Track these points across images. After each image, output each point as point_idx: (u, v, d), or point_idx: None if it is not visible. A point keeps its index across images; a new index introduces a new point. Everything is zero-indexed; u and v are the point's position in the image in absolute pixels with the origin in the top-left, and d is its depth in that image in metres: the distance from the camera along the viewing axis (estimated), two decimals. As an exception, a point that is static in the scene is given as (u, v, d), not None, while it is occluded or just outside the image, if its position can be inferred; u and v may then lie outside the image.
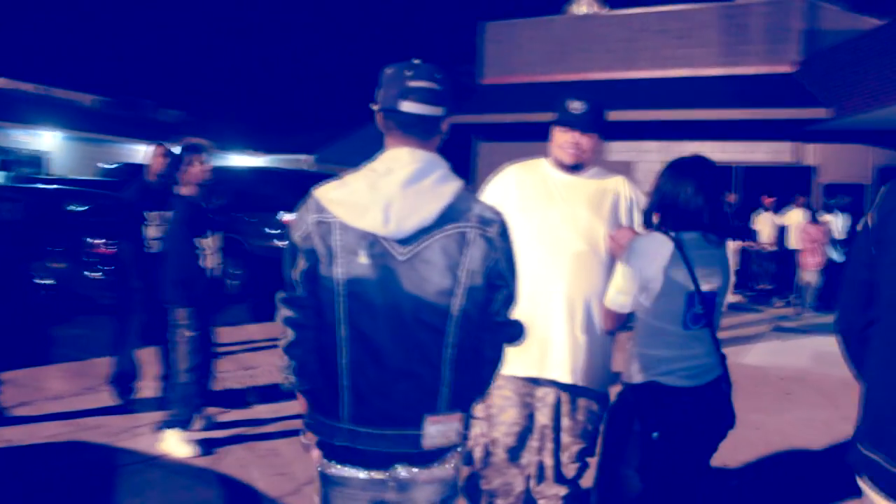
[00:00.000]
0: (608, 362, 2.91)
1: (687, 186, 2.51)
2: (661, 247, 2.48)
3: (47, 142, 20.41)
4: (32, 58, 21.87)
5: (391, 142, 1.88)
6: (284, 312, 1.88)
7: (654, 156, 14.98)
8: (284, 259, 1.89)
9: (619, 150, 14.96)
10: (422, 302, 1.78)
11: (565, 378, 2.79)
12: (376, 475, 1.84)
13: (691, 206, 2.50)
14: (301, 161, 25.60)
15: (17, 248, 8.11)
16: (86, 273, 7.93)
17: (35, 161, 20.08)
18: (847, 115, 12.02)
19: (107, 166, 18.17)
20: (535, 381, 2.84)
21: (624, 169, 14.93)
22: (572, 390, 2.83)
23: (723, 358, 2.60)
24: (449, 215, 1.80)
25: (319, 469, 1.92)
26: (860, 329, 1.83)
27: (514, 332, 1.96)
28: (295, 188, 11.16)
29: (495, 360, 1.96)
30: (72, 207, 9.10)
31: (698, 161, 2.59)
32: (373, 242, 1.78)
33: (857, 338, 1.85)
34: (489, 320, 1.89)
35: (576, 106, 2.81)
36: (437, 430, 1.82)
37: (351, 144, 26.90)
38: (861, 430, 1.76)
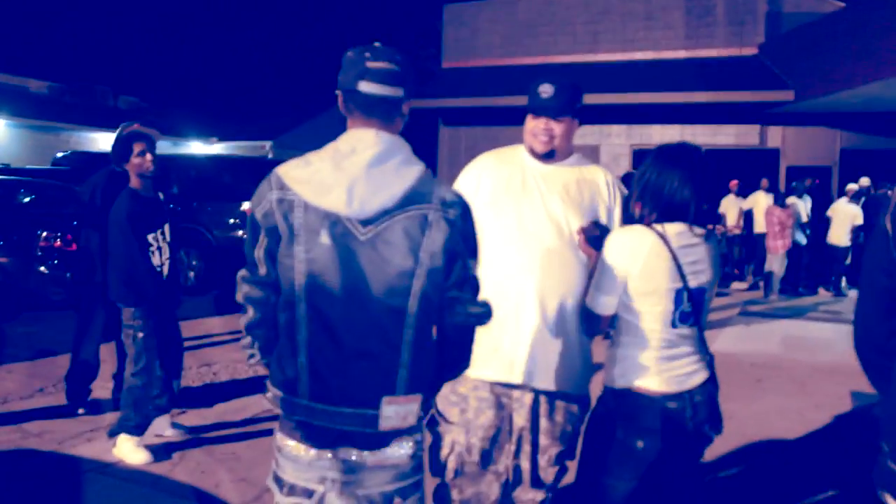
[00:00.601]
0: (587, 363, 2.75)
1: (673, 176, 2.33)
2: (643, 241, 2.31)
3: (-2, 130, 19.74)
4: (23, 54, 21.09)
5: (353, 123, 1.88)
6: (246, 290, 1.89)
7: (618, 139, 14.93)
8: (247, 237, 1.88)
9: (583, 133, 14.85)
10: (382, 282, 1.78)
11: (540, 383, 2.64)
12: (325, 454, 1.84)
13: (677, 198, 2.32)
14: (260, 148, 25.15)
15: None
16: (36, 267, 7.58)
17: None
18: (809, 97, 12.04)
19: (57, 155, 17.62)
20: (511, 385, 2.67)
21: (589, 152, 14.86)
22: (549, 392, 2.67)
23: (711, 359, 2.46)
24: (411, 197, 1.80)
25: (276, 442, 1.92)
26: (882, 341, 1.69)
27: (479, 315, 1.93)
28: (257, 176, 10.95)
29: (458, 343, 1.95)
30: (21, 199, 8.72)
31: (686, 149, 2.41)
32: (335, 222, 1.77)
33: (879, 350, 1.71)
34: (449, 301, 1.89)
35: (545, 90, 2.61)
36: (393, 411, 1.81)
37: (309, 131, 26.46)
38: (889, 446, 1.63)
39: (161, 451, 4.27)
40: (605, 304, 2.38)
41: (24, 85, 23.67)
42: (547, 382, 2.63)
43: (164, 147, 20.07)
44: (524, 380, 2.62)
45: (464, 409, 2.71)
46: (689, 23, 14.57)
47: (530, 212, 2.64)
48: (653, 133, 14.57)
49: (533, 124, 2.67)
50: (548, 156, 2.69)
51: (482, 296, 1.95)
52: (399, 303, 1.80)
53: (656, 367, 2.35)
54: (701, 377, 2.40)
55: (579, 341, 2.67)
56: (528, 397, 2.67)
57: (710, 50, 14.36)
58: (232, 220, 10.42)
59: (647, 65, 14.64)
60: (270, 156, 24.44)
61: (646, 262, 2.29)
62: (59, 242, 7.50)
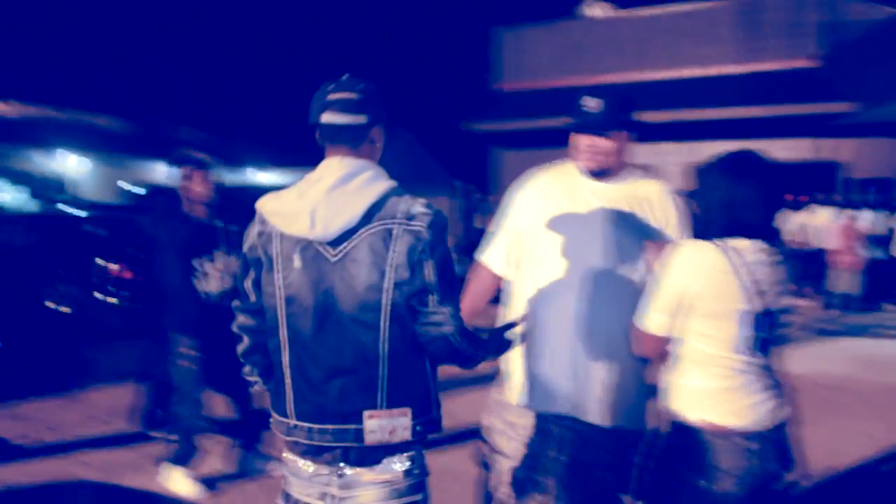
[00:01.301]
0: (643, 392, 2.56)
1: (741, 187, 2.16)
2: (706, 257, 2.15)
3: (69, 164, 20.47)
4: (56, 84, 21.94)
5: (327, 153, 1.97)
6: (241, 320, 2.08)
7: (672, 158, 14.69)
8: (239, 270, 2.04)
9: (636, 152, 14.65)
10: (354, 299, 1.85)
11: (590, 415, 2.49)
12: (322, 469, 1.91)
13: (747, 211, 2.16)
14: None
15: (29, 273, 8.00)
16: (99, 297, 7.76)
17: (58, 184, 20.12)
18: (871, 107, 11.66)
19: (131, 187, 18.17)
20: (561, 417, 2.53)
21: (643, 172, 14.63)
22: (604, 426, 2.52)
23: (784, 389, 2.27)
24: (375, 214, 1.87)
25: (284, 459, 2.01)
26: None
27: (439, 326, 1.91)
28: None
29: (435, 354, 1.96)
30: (88, 230, 8.99)
31: (753, 157, 2.23)
32: (306, 247, 1.88)
33: None
34: (422, 313, 1.91)
35: (591, 105, 2.44)
36: (377, 424, 1.86)
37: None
38: None
39: (210, 483, 4.29)
40: (658, 324, 2.24)
41: (93, 121, 24.54)
42: (598, 415, 2.48)
43: (228, 177, 20.47)
44: (573, 411, 2.49)
45: (511, 438, 2.61)
46: (739, 37, 14.32)
47: (581, 231, 2.51)
48: (705, 150, 14.22)
49: (581, 142, 2.51)
50: (601, 174, 2.53)
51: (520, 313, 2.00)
52: (371, 318, 1.86)
53: (722, 398, 2.18)
54: (773, 409, 2.21)
55: (634, 369, 2.50)
56: (579, 431, 2.53)
57: (762, 64, 14.07)
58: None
59: (698, 81, 14.40)
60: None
61: (709, 280, 2.13)
62: (116, 271, 7.66)
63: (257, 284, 1.99)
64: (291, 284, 1.89)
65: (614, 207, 2.51)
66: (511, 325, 2.31)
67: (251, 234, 1.99)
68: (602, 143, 2.46)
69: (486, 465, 2.66)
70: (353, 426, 1.86)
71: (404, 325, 1.88)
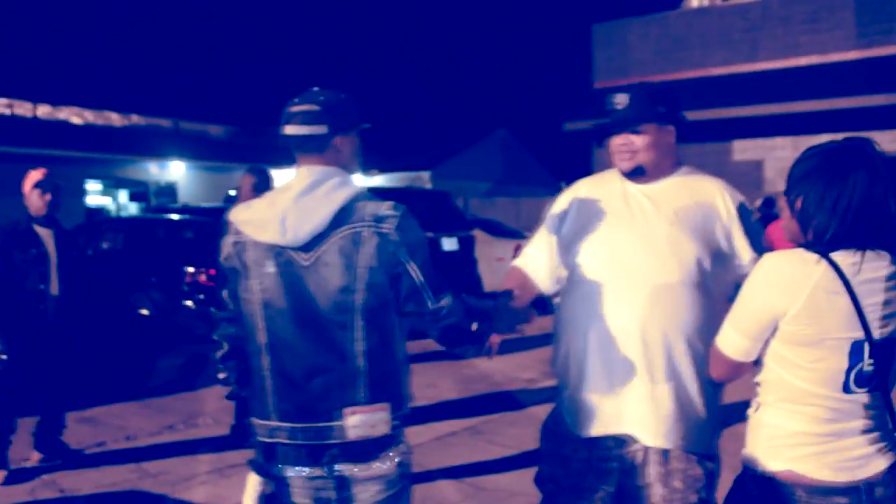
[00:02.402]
0: (713, 415, 2.31)
1: (855, 184, 1.75)
2: (808, 271, 1.74)
3: (178, 172, 21.34)
4: (165, 95, 22.95)
5: (297, 162, 2.04)
6: (220, 328, 2.19)
7: (784, 153, 13.75)
8: (217, 280, 2.09)
9: (744, 148, 13.85)
10: (327, 301, 1.92)
11: (646, 437, 2.26)
12: (315, 472, 1.94)
13: (863, 215, 1.75)
14: (417, 178, 25.55)
15: (122, 277, 8.22)
16: (183, 302, 7.89)
17: (170, 191, 21.01)
18: None
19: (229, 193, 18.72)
20: (616, 440, 2.31)
21: (752, 169, 13.81)
22: (663, 449, 2.28)
23: None
24: (343, 218, 1.94)
25: (261, 470, 2.04)
26: None
27: (445, 317, 2.00)
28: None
29: (451, 343, 2.10)
30: (171, 235, 9.19)
31: (868, 147, 1.82)
32: (279, 253, 1.95)
33: None
34: (412, 316, 2.01)
35: (618, 101, 2.29)
36: (359, 420, 1.91)
37: (467, 159, 26.61)
38: None
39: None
40: (739, 348, 1.86)
41: (204, 130, 25.54)
42: (656, 437, 2.25)
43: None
44: (630, 430, 2.27)
45: (560, 465, 2.41)
46: (861, 21, 13.23)
47: (628, 239, 2.29)
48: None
49: (613, 143, 2.35)
50: (637, 173, 2.34)
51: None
52: (345, 318, 1.92)
53: (818, 445, 1.78)
54: (883, 462, 1.80)
55: (700, 390, 2.26)
56: (637, 455, 2.30)
57: (888, 48, 12.94)
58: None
59: (813, 70, 13.43)
60: (428, 186, 24.81)
61: (810, 301, 1.72)
62: (203, 278, 7.75)
63: (234, 293, 2.07)
64: (267, 290, 1.96)
65: (669, 210, 2.29)
66: (508, 294, 2.33)
67: (226, 245, 2.06)
68: (633, 139, 2.29)
69: (543, 491, 2.50)
70: (335, 423, 1.92)
71: (378, 324, 1.95)
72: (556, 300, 2.53)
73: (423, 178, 25.56)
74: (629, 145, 2.30)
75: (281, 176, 4.50)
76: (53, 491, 4.35)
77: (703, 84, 14.11)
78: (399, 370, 2.02)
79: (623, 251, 2.28)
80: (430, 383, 7.01)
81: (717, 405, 2.32)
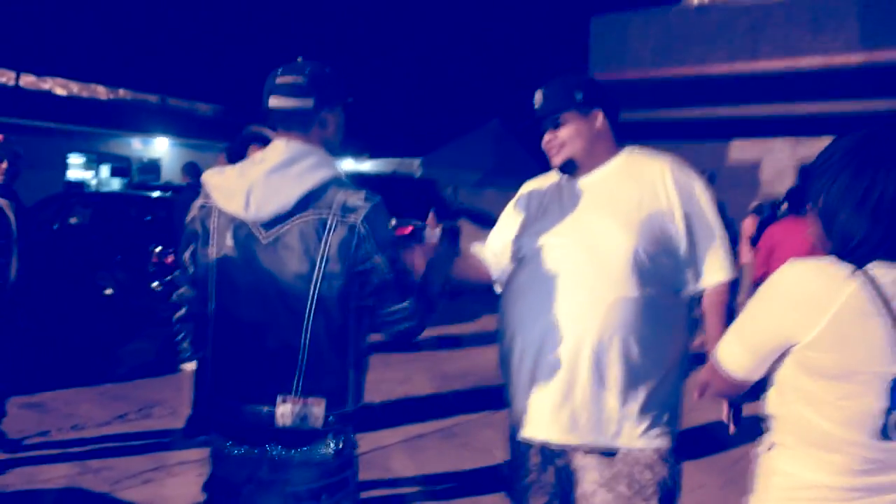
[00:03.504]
0: (658, 415, 2.17)
1: (889, 176, 1.42)
2: (838, 287, 1.39)
3: (162, 149, 20.90)
4: (154, 70, 22.46)
5: (276, 136, 1.96)
6: (181, 290, 2.10)
7: (783, 154, 13.48)
8: (181, 241, 2.04)
9: (742, 148, 13.55)
10: (281, 285, 1.85)
11: (580, 438, 2.16)
12: (250, 452, 1.89)
13: None
14: (409, 165, 25.21)
15: (84, 256, 7.83)
16: (149, 284, 7.51)
17: (153, 168, 20.58)
18: None
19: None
20: (548, 445, 2.23)
21: (750, 169, 13.52)
22: (606, 452, 2.18)
23: None
24: (310, 202, 1.86)
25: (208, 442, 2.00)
26: None
27: (401, 321, 1.94)
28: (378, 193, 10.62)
29: (400, 339, 2.03)
30: (139, 214, 8.81)
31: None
32: (240, 225, 1.89)
33: None
34: (369, 310, 1.93)
35: (536, 99, 2.29)
36: (289, 409, 1.84)
37: (460, 148, 26.23)
38: None
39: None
40: (741, 364, 1.54)
41: (192, 107, 25.08)
42: (591, 436, 2.15)
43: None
44: (560, 438, 2.18)
45: (522, 476, 2.32)
46: (865, 25, 12.94)
47: (560, 236, 2.22)
48: (822, 146, 13.02)
49: (543, 143, 2.32)
50: (569, 167, 2.28)
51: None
52: (297, 306, 1.85)
53: (847, 502, 1.43)
54: None
55: (638, 386, 2.13)
56: (579, 460, 2.21)
57: (892, 52, 12.64)
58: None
59: (815, 72, 13.13)
60: (418, 174, 24.45)
61: (834, 323, 1.38)
62: (170, 259, 7.38)
63: (194, 256, 2.00)
64: (223, 261, 1.91)
65: (604, 202, 2.21)
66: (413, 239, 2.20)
67: (195, 207, 2.00)
68: (556, 133, 2.25)
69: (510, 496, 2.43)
70: (266, 407, 1.85)
71: (329, 317, 1.86)
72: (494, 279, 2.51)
73: (414, 166, 25.20)
74: (553, 140, 2.26)
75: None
76: (-20, 486, 4.01)
77: (701, 82, 13.80)
78: (346, 366, 1.91)
79: (555, 249, 2.20)
80: (403, 378, 6.68)
81: (668, 404, 2.19)
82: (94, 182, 19.79)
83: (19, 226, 4.30)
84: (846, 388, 1.40)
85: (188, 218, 2.00)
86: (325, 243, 1.83)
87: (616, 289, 2.11)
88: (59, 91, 19.49)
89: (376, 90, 31.36)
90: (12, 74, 18.81)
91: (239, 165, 1.96)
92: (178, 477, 4.13)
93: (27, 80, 19.07)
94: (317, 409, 1.85)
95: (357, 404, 1.95)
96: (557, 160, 2.27)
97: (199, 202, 1.99)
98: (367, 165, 24.65)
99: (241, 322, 1.89)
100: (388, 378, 6.63)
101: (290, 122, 1.92)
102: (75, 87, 19.95)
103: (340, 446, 1.92)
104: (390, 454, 4.70)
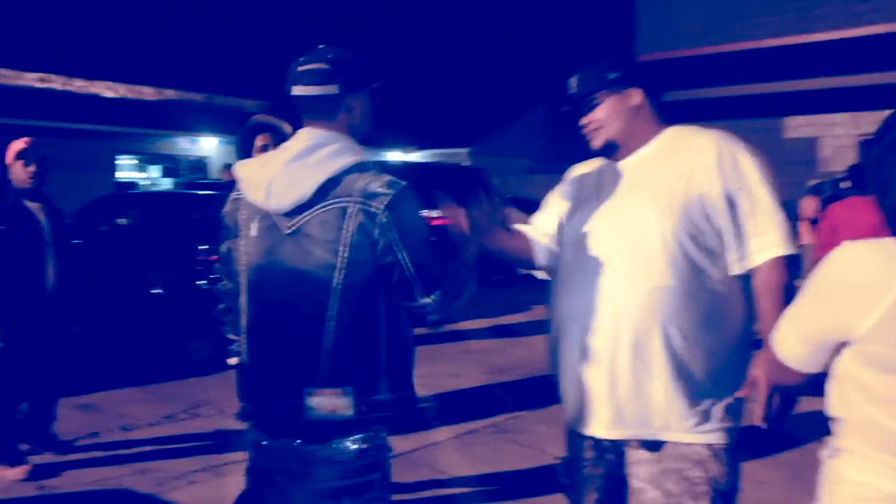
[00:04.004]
0: (708, 403, 2.03)
1: None
2: (889, 270, 1.25)
3: (210, 147, 21.12)
4: (200, 69, 22.72)
5: (304, 124, 1.93)
6: (222, 283, 2.16)
7: (842, 129, 12.95)
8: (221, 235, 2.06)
9: (798, 125, 13.06)
10: (304, 274, 1.82)
11: (610, 432, 2.09)
12: (279, 444, 1.88)
13: None
14: (457, 155, 25.12)
15: (132, 256, 7.87)
16: (196, 282, 7.52)
17: (201, 166, 20.82)
18: None
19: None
20: (609, 440, 2.14)
21: (806, 147, 13.04)
22: (647, 445, 2.08)
23: None
24: (332, 190, 1.81)
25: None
26: None
27: (428, 315, 1.89)
28: (423, 182, 10.47)
29: (399, 340, 1.91)
30: (197, 211, 8.82)
31: None
32: (264, 216, 1.88)
33: None
34: (390, 299, 1.86)
35: (570, 84, 2.20)
36: (317, 402, 1.81)
37: (507, 136, 26.04)
38: None
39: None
40: (795, 353, 1.41)
41: (239, 104, 25.31)
42: (618, 430, 2.07)
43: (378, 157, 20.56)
44: (594, 431, 2.11)
45: (577, 470, 2.24)
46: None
47: (600, 222, 2.14)
48: (879, 120, 12.48)
49: (582, 128, 2.24)
50: (609, 150, 2.19)
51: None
52: (320, 295, 1.80)
53: None
54: None
55: (686, 375, 2.00)
56: (631, 455, 2.12)
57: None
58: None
59: (874, 40, 12.56)
60: (467, 163, 24.34)
61: (894, 311, 1.23)
62: (215, 256, 7.36)
63: (229, 249, 2.02)
64: (250, 252, 1.91)
65: (645, 184, 2.10)
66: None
67: (230, 199, 2.00)
68: (592, 115, 2.17)
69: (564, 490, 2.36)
70: (295, 400, 1.82)
71: (356, 307, 1.81)
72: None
73: (462, 156, 25.08)
74: (590, 123, 2.17)
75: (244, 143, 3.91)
76: (31, 487, 4.01)
77: (752, 56, 13.34)
78: (377, 357, 1.85)
79: (594, 237, 2.13)
80: (454, 372, 6.57)
81: (722, 397, 2.03)
82: (145, 182, 20.13)
83: (53, 228, 4.28)
84: None
85: (223, 211, 2.02)
86: (346, 231, 1.78)
87: (654, 276, 2.00)
88: (108, 94, 19.81)
89: (422, 81, 31.29)
90: (63, 79, 19.19)
91: (265, 155, 1.96)
92: (225, 477, 4.08)
93: (77, 85, 19.44)
94: (344, 400, 1.81)
95: (395, 394, 1.88)
96: (596, 143, 2.19)
97: (232, 195, 1.99)
98: (415, 156, 24.64)
99: (268, 313, 1.88)
100: (438, 372, 6.53)
101: (314, 110, 1.89)
102: (123, 90, 20.25)
103: (365, 446, 1.86)
104: (439, 451, 4.58)
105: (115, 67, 20.05)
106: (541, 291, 2.52)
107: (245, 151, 3.87)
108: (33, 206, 4.23)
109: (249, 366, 1.94)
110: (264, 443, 1.91)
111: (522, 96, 27.35)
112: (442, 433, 4.89)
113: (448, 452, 4.56)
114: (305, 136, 1.88)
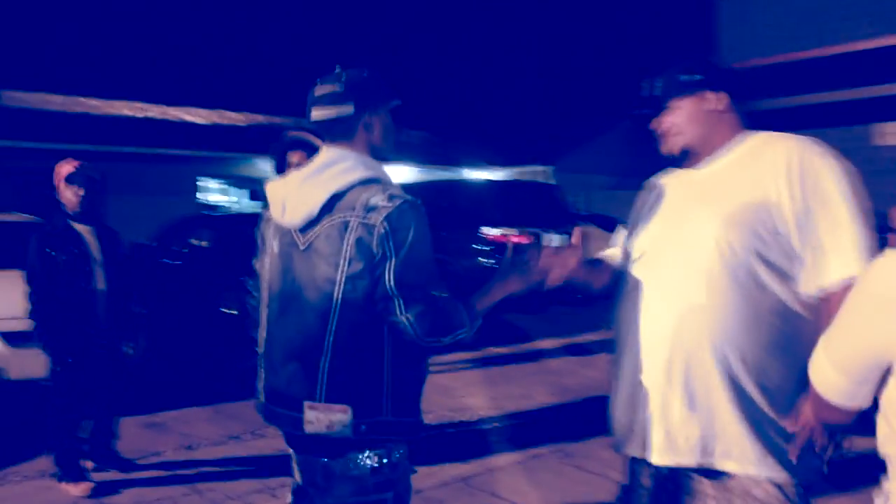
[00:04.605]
0: (774, 434, 1.83)
1: None
2: None
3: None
4: (287, 94, 23.33)
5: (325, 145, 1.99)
6: (249, 297, 2.28)
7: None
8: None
9: (890, 132, 12.33)
10: (313, 289, 1.85)
11: (663, 458, 1.95)
12: (303, 457, 1.93)
13: None
14: (541, 173, 24.91)
15: (208, 277, 8.03)
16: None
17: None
18: None
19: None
20: (655, 468, 2.03)
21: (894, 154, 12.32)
22: (707, 474, 1.93)
23: None
24: (338, 205, 1.85)
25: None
26: None
27: (415, 331, 1.82)
28: (494, 199, 10.31)
29: (406, 362, 1.88)
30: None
31: None
32: (285, 233, 1.94)
33: None
34: (379, 311, 1.83)
35: (645, 88, 2.11)
36: (314, 416, 1.82)
37: (591, 152, 25.66)
38: None
39: None
40: (836, 388, 1.26)
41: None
42: (683, 455, 1.92)
43: (450, 176, 20.61)
44: (660, 458, 1.96)
45: (632, 499, 2.14)
46: None
47: (665, 237, 2.02)
48: None
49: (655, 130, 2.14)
50: (684, 157, 2.07)
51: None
52: (324, 308, 1.83)
53: None
54: None
55: (760, 402, 1.83)
56: (692, 484, 1.98)
57: None
58: (474, 247, 9.83)
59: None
60: (548, 181, 24.09)
61: None
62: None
63: (258, 265, 2.12)
64: (272, 268, 1.98)
65: (717, 197, 1.94)
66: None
67: (262, 217, 2.11)
68: (665, 120, 2.06)
69: None
70: (295, 413, 1.86)
71: (357, 321, 1.82)
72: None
73: (546, 173, 24.83)
74: (663, 128, 2.07)
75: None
76: (91, 506, 4.06)
77: (840, 61, 12.72)
78: (380, 373, 1.84)
79: (655, 250, 2.03)
80: (522, 393, 6.39)
81: (776, 419, 1.85)
82: (234, 206, 20.69)
83: (105, 251, 4.32)
84: None
85: (257, 229, 2.12)
86: (347, 244, 1.81)
87: (712, 294, 1.86)
88: (199, 120, 20.52)
89: (505, 98, 31.23)
90: (157, 108, 20.02)
91: (288, 174, 2.01)
92: (279, 499, 4.03)
93: (165, 111, 20.25)
94: (342, 416, 1.82)
95: (398, 417, 1.87)
96: (667, 149, 2.09)
97: (265, 213, 2.07)
98: (498, 175, 24.53)
99: (281, 327, 1.93)
100: (506, 393, 6.38)
101: (333, 132, 1.95)
102: (214, 116, 20.94)
103: (379, 464, 1.87)
104: (500, 476, 4.42)
105: (206, 95, 20.80)
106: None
107: (280, 168, 3.81)
108: (83, 228, 4.27)
109: (264, 380, 1.99)
110: (295, 456, 1.98)
111: (606, 111, 26.89)
112: (505, 458, 4.73)
113: (509, 478, 4.39)
114: (324, 155, 1.95)
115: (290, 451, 2.02)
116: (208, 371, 6.99)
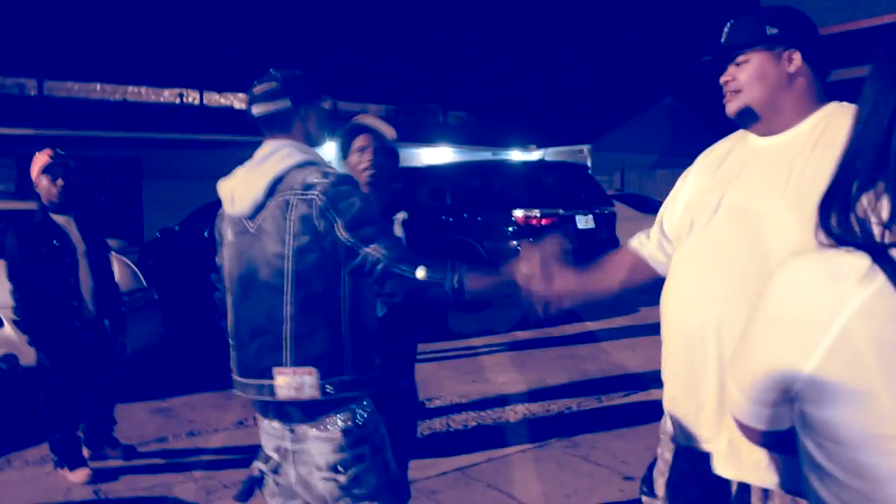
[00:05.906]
0: None
1: None
2: (834, 294, 0.87)
3: (331, 154, 21.60)
4: (326, 76, 23.42)
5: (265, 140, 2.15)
6: (217, 290, 2.31)
7: None
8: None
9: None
10: (266, 267, 2.00)
11: (721, 468, 1.73)
12: (273, 424, 2.05)
13: None
14: (578, 152, 24.56)
15: (203, 259, 8.01)
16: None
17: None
18: None
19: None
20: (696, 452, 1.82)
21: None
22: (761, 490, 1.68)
23: None
24: (279, 188, 2.01)
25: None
26: None
27: (388, 259, 1.93)
28: (526, 182, 10.09)
29: (404, 298, 1.98)
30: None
31: None
32: (237, 222, 2.10)
33: None
34: (358, 266, 1.96)
35: (723, 32, 1.83)
36: (283, 381, 1.97)
37: (628, 131, 25.19)
38: None
39: None
40: (742, 408, 1.06)
41: (365, 109, 25.83)
42: (747, 472, 1.67)
43: (484, 157, 20.41)
44: (724, 472, 1.73)
45: (661, 474, 1.98)
46: None
47: (725, 221, 1.77)
48: None
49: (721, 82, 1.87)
50: (747, 119, 1.80)
51: None
52: (278, 283, 1.98)
53: None
54: None
55: None
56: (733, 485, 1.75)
57: None
58: (504, 229, 9.64)
59: None
60: (588, 161, 23.72)
61: (836, 350, 0.86)
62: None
63: (219, 258, 2.22)
64: (230, 258, 2.11)
65: (771, 171, 1.72)
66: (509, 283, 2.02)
67: (219, 214, 2.21)
68: (733, 73, 1.80)
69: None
70: (267, 381, 2.00)
71: (311, 289, 1.97)
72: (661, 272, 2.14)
73: (584, 152, 24.45)
74: (729, 82, 1.80)
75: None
76: (88, 491, 4.06)
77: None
78: (339, 335, 1.99)
79: (713, 236, 1.78)
80: (538, 379, 6.25)
81: None
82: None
83: (88, 241, 4.27)
84: (871, 465, 0.84)
85: (215, 225, 2.25)
86: (290, 221, 1.96)
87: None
88: (239, 105, 20.68)
89: (542, 78, 30.81)
90: (196, 94, 20.23)
91: (235, 170, 2.13)
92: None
93: (210, 98, 20.43)
94: (309, 378, 1.96)
95: (358, 374, 2.01)
96: (731, 107, 1.81)
97: (221, 210, 2.17)
98: (535, 155, 24.23)
99: (244, 309, 2.06)
100: (525, 379, 6.25)
101: (272, 125, 2.11)
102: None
103: (350, 422, 2.00)
104: (501, 466, 4.29)
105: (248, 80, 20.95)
106: (649, 293, 2.21)
107: (345, 153, 3.65)
108: (62, 220, 4.21)
109: (235, 358, 2.11)
110: (264, 424, 2.09)
111: (647, 88, 26.32)
112: (508, 447, 4.59)
113: (509, 468, 4.26)
114: (264, 148, 2.10)
115: (262, 423, 2.10)
116: (221, 355, 6.98)
